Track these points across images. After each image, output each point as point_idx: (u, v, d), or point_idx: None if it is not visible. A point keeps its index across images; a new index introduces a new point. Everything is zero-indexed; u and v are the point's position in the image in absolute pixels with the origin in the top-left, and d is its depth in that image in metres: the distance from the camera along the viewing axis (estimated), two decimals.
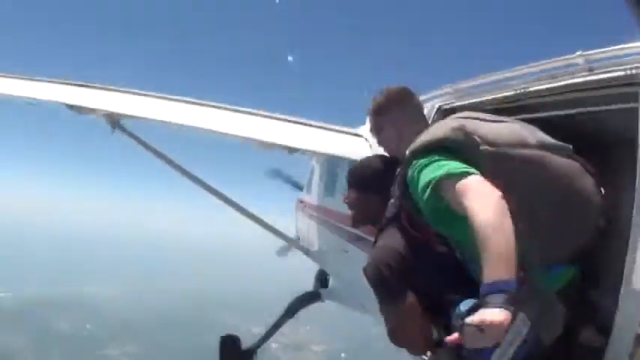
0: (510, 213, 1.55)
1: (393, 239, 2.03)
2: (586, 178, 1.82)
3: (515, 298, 1.46)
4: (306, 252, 5.62)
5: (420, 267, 1.95)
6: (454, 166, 1.71)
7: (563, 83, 2.20)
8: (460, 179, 1.64)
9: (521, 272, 1.59)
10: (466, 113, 2.02)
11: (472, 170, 1.67)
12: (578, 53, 2.09)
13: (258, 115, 4.42)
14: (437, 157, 1.79)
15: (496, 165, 1.74)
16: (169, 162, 4.58)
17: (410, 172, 1.87)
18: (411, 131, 2.09)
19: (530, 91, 2.34)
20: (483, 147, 1.76)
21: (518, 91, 2.39)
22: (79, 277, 58.57)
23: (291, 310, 5.89)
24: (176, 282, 63.60)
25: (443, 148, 1.83)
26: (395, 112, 2.30)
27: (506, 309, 1.43)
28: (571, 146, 1.88)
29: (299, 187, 6.88)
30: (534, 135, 1.86)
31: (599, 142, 2.23)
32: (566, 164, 1.81)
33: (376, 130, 2.41)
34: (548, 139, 1.88)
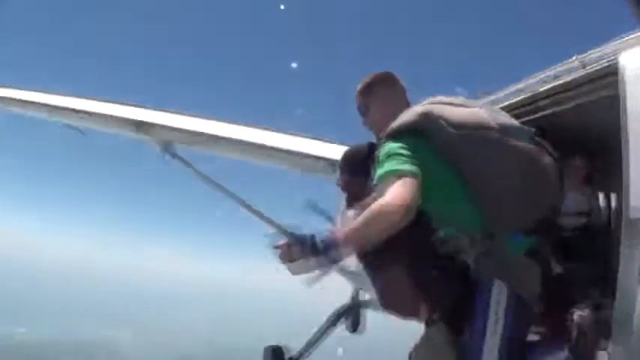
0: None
1: None
2: (545, 158, 2.05)
3: (334, 261, 1.77)
4: (344, 273, 5.32)
5: (397, 241, 1.95)
6: (395, 163, 1.91)
7: (561, 82, 2.76)
8: (391, 178, 1.85)
9: (488, 240, 1.97)
10: (437, 99, 2.21)
11: (405, 170, 1.87)
12: (574, 57, 2.66)
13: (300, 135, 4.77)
14: (398, 146, 1.98)
15: (460, 145, 2.00)
16: (219, 187, 4.59)
17: (379, 155, 2.05)
18: (395, 113, 2.18)
19: (541, 92, 2.92)
20: (448, 130, 2.00)
21: (533, 93, 2.97)
22: (90, 318, 57.14)
23: (332, 322, 5.63)
24: (189, 326, 62.12)
25: (412, 131, 2.04)
26: (381, 93, 2.43)
27: (314, 262, 1.78)
28: (533, 129, 2.14)
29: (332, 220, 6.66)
30: (496, 119, 2.08)
31: (598, 132, 2.84)
32: (525, 145, 2.04)
33: (362, 111, 2.53)
34: (510, 122, 2.14)
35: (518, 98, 3.07)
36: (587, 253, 3.39)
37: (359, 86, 2.50)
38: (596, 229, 3.65)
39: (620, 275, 2.03)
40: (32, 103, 4.98)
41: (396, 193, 1.79)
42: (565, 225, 3.52)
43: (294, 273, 1.88)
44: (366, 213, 1.77)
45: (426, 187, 1.88)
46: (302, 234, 1.87)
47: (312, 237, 1.82)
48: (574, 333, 2.69)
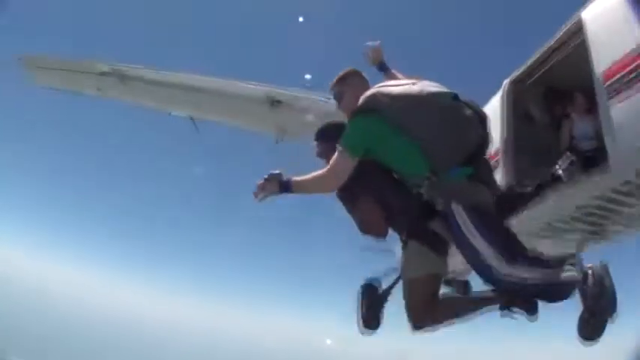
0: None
1: None
2: (464, 111, 2.76)
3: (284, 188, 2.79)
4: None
5: (362, 183, 2.91)
6: (346, 139, 2.83)
7: (548, 46, 3.94)
8: (339, 149, 2.81)
9: (435, 177, 2.68)
10: (384, 82, 3.05)
11: (346, 145, 2.80)
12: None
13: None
14: (353, 124, 2.87)
15: (400, 114, 2.74)
16: None
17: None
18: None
19: (538, 57, 4.08)
20: (390, 103, 2.77)
21: (534, 60, 4.14)
22: None
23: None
24: None
25: (364, 110, 2.84)
26: (352, 84, 3.13)
27: (270, 189, 2.78)
28: (455, 92, 2.80)
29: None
30: (424, 90, 2.81)
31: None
32: (446, 105, 2.76)
33: (338, 98, 3.22)
34: (436, 90, 2.81)
35: (529, 63, 4.24)
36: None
37: (335, 79, 3.21)
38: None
39: None
40: (158, 82, 5.34)
41: (332, 165, 2.79)
42: (586, 147, 4.11)
43: (259, 195, 2.81)
44: (313, 177, 2.82)
45: (386, 149, 2.79)
46: (275, 173, 2.79)
47: (280, 177, 2.78)
48: None
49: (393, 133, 2.75)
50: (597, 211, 3.65)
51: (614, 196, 3.40)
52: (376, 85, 2.96)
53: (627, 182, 3.21)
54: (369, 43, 3.52)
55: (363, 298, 3.39)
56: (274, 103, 5.22)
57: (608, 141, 3.21)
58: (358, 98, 2.91)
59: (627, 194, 3.34)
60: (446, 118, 2.71)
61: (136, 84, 5.47)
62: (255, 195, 2.83)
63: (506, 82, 4.50)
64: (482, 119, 2.85)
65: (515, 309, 2.87)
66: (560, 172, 3.69)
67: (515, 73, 4.43)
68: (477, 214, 2.64)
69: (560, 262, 2.57)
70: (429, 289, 3.01)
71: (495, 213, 2.78)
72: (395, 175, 2.96)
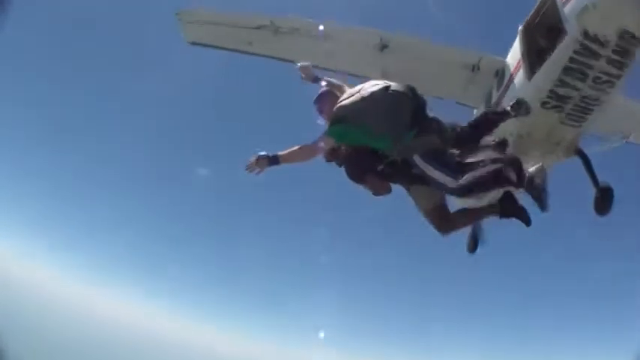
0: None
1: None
2: (394, 94, 3.95)
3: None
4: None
5: (363, 167, 4.18)
6: (328, 133, 4.09)
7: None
8: (325, 135, 4.11)
9: (397, 145, 3.90)
10: (341, 97, 4.19)
11: (328, 135, 4.08)
12: None
13: None
14: (330, 128, 4.11)
15: (353, 115, 3.95)
16: None
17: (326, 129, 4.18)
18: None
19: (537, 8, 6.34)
20: (343, 115, 4.01)
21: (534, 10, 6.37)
22: None
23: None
24: None
25: (333, 122, 4.10)
26: (327, 99, 4.37)
27: (261, 164, 3.88)
28: (388, 85, 4.01)
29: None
30: (365, 91, 4.02)
31: None
32: (382, 95, 3.96)
33: (320, 112, 4.44)
34: (373, 87, 4.04)
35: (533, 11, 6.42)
36: None
37: (315, 97, 4.47)
38: None
39: None
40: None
41: (321, 143, 4.07)
42: None
43: (250, 167, 3.89)
44: (300, 151, 4.02)
45: (361, 139, 3.99)
46: (261, 153, 3.89)
47: (268, 155, 3.90)
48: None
49: (358, 129, 3.96)
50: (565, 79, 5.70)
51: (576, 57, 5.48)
52: (338, 101, 4.16)
53: (578, 42, 5.32)
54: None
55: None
56: (384, 47, 6.76)
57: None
58: (332, 110, 4.13)
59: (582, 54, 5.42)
60: (383, 106, 3.94)
61: (285, 37, 6.61)
62: (249, 169, 3.91)
63: (520, 27, 6.66)
64: (413, 94, 4.06)
65: (511, 217, 4.22)
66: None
67: (526, 20, 6.52)
68: (427, 156, 3.91)
69: (492, 160, 3.87)
70: (442, 211, 4.38)
71: (443, 148, 4.01)
72: (379, 153, 4.13)
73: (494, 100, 7.10)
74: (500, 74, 7.05)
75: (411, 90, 4.07)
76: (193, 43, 7.14)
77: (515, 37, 6.77)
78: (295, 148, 4.00)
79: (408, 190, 4.37)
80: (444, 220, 4.35)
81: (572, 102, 5.90)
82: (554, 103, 5.93)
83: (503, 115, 4.80)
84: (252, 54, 7.18)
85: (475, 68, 7.23)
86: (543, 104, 5.97)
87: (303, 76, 4.67)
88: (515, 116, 4.81)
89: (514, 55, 6.79)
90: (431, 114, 4.12)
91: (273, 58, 7.14)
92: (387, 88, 4.00)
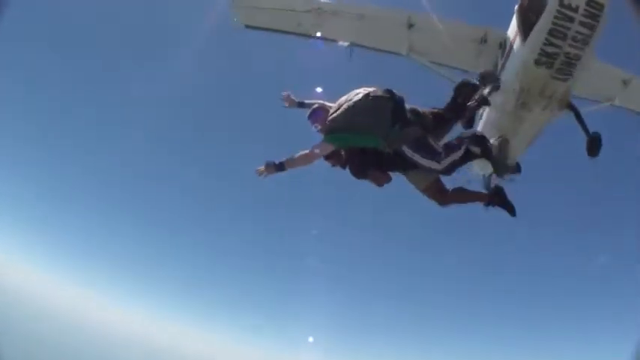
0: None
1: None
2: (373, 99, 4.65)
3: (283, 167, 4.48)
4: None
5: (364, 164, 4.91)
6: (327, 140, 4.68)
7: None
8: (324, 141, 4.71)
9: (386, 140, 4.62)
10: (332, 109, 4.88)
11: (326, 142, 4.65)
12: None
13: None
14: (326, 138, 4.73)
15: (342, 124, 4.65)
16: None
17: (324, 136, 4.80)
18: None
19: None
20: (334, 126, 4.71)
21: None
22: None
23: None
24: None
25: (327, 132, 4.75)
26: (319, 115, 5.01)
27: (269, 171, 4.47)
28: (368, 91, 4.75)
29: None
30: (349, 101, 4.70)
31: None
32: (363, 102, 4.65)
33: (315, 125, 5.06)
34: (355, 97, 4.73)
35: None
36: None
37: (308, 113, 5.03)
38: None
39: None
40: None
41: (318, 148, 4.59)
42: None
43: (261, 173, 4.43)
44: (305, 156, 4.53)
45: (356, 142, 4.69)
46: (269, 161, 4.40)
47: (274, 162, 4.41)
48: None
49: (350, 134, 4.61)
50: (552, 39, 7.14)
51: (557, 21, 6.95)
52: (329, 114, 4.84)
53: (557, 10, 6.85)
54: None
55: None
56: (411, 25, 8.12)
57: None
58: (325, 121, 4.81)
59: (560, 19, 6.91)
60: (366, 111, 4.62)
61: (328, 18, 7.82)
62: (259, 174, 4.44)
63: (516, 7, 8.12)
64: (390, 94, 4.71)
65: (495, 206, 4.97)
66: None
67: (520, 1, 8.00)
68: (413, 146, 4.60)
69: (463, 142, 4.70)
70: (437, 186, 5.03)
71: (424, 134, 4.70)
72: (374, 150, 4.72)
73: (499, 67, 8.59)
74: (503, 45, 8.55)
75: (389, 92, 4.78)
76: (247, 27, 8.27)
77: (512, 14, 8.30)
78: (297, 155, 4.52)
79: (405, 175, 5.11)
80: (441, 194, 5.12)
81: (558, 59, 7.36)
82: (544, 59, 7.43)
83: (475, 88, 5.39)
84: (300, 34, 8.35)
85: (483, 41, 8.70)
86: (536, 62, 7.47)
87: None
88: (484, 85, 5.52)
89: (512, 29, 8.32)
90: (409, 107, 4.82)
91: (317, 38, 8.39)
92: (367, 95, 4.72)
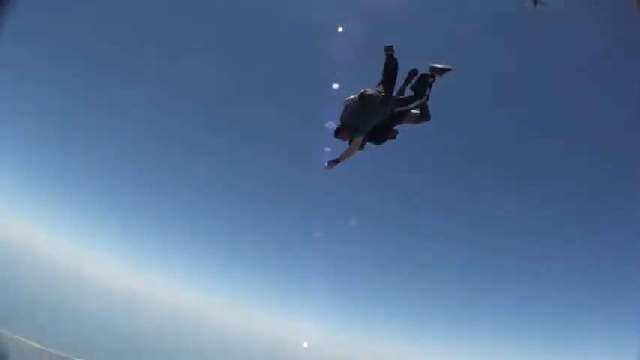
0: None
1: None
2: (360, 100, 6.34)
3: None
4: None
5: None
6: (355, 137, 6.48)
7: None
8: (356, 139, 6.53)
9: (384, 113, 6.48)
10: (345, 116, 6.54)
11: (356, 139, 6.45)
12: None
13: None
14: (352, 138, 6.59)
15: (351, 122, 6.42)
16: None
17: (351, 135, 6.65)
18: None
19: None
20: (351, 126, 6.52)
21: None
22: None
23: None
24: None
25: (342, 131, 6.54)
26: (342, 135, 6.57)
27: (332, 165, 6.47)
28: (361, 92, 6.32)
29: None
30: (348, 102, 6.45)
31: None
32: (355, 103, 6.38)
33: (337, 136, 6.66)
34: (350, 99, 6.42)
35: None
36: None
37: (333, 134, 6.49)
38: None
39: None
40: None
41: (354, 144, 6.41)
42: None
43: (326, 168, 6.42)
44: (348, 151, 6.42)
45: (371, 125, 6.45)
46: (331, 159, 6.41)
47: (333, 159, 6.40)
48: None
49: (364, 127, 6.37)
50: None
51: None
52: (345, 121, 6.47)
53: None
54: (325, 167, 6.53)
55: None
56: None
57: None
58: (346, 133, 6.41)
59: None
60: (357, 108, 6.35)
61: None
62: (326, 168, 6.35)
63: None
64: (379, 91, 6.44)
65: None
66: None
67: None
68: (400, 104, 6.59)
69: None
70: (421, 113, 6.74)
71: (404, 97, 6.70)
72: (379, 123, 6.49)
73: None
74: None
75: (378, 90, 6.47)
76: None
77: None
78: (344, 152, 6.36)
79: (402, 122, 6.67)
80: (424, 115, 6.73)
81: None
82: None
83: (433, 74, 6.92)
84: None
85: None
86: None
87: (330, 169, 6.59)
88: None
89: None
90: (393, 93, 6.59)
91: None
92: (362, 94, 6.34)
